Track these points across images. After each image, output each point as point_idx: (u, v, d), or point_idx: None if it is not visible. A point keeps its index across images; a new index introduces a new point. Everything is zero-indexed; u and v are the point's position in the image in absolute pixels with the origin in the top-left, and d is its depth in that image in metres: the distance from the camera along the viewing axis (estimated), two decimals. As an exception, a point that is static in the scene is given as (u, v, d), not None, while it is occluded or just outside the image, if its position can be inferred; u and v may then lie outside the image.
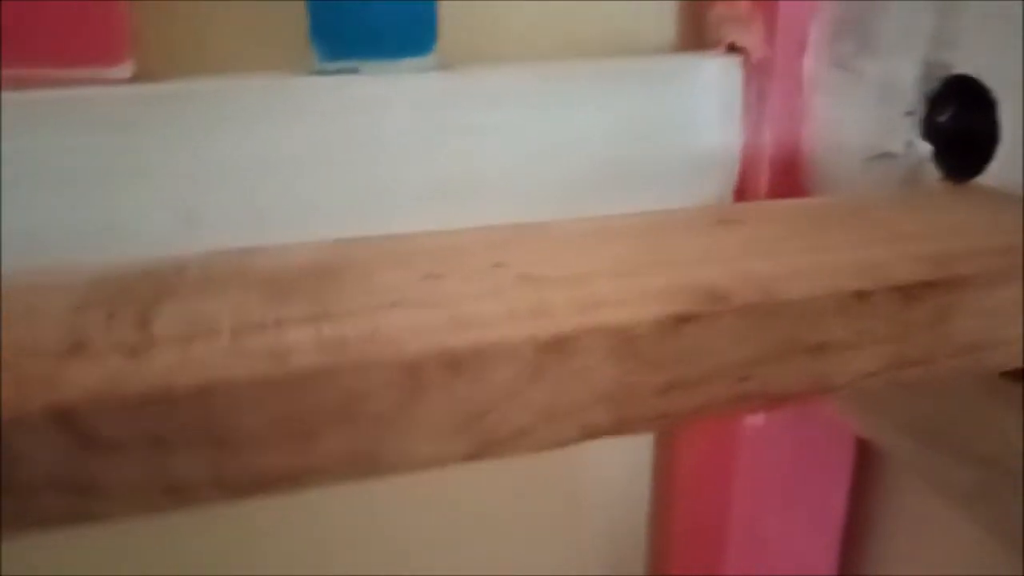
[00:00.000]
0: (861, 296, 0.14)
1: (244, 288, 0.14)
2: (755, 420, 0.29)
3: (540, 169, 0.26)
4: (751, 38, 0.27)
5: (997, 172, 0.20)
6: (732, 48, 0.27)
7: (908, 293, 0.14)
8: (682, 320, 0.13)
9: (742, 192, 0.28)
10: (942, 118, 0.22)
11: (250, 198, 0.23)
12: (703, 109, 0.27)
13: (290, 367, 0.11)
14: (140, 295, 0.13)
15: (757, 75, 0.27)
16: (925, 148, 0.22)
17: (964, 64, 0.21)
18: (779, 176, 0.27)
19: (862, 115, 0.24)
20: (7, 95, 0.21)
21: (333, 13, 0.24)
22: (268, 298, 0.13)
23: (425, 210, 0.25)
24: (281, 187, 0.24)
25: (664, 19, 0.30)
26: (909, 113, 0.23)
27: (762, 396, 0.14)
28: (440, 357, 0.12)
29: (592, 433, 0.13)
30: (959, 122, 0.22)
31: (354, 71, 0.24)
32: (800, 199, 0.21)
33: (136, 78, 0.23)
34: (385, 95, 0.24)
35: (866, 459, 0.31)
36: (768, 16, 0.26)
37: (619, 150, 0.27)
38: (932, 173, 0.22)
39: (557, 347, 0.12)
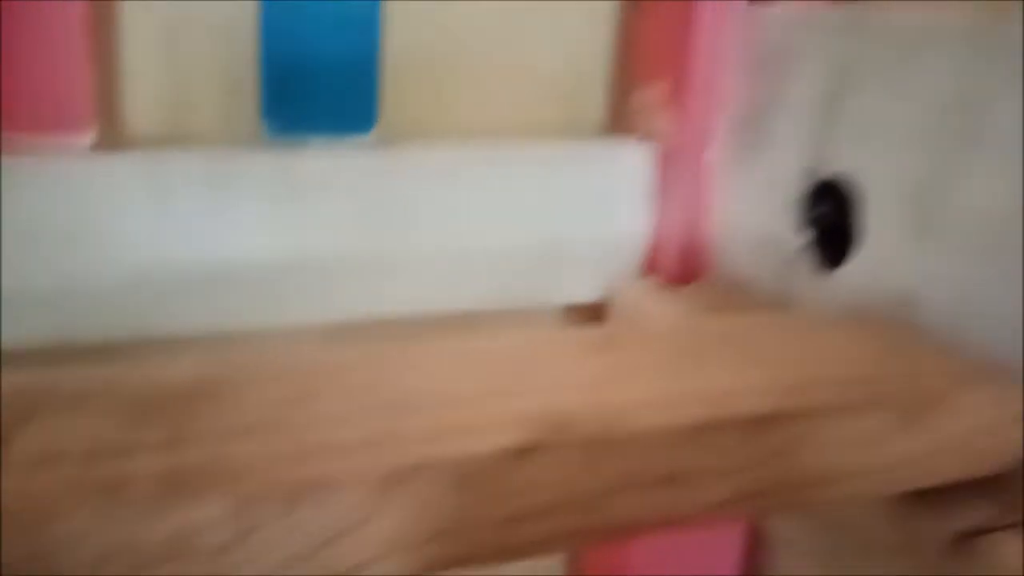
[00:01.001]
0: (705, 428, 0.14)
1: (110, 409, 0.14)
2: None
3: (471, 245, 0.28)
4: (664, 127, 0.29)
5: (860, 264, 0.23)
6: (647, 136, 0.30)
7: (754, 424, 0.15)
8: (524, 452, 0.13)
9: (651, 272, 0.30)
10: (816, 213, 0.25)
11: (200, 261, 0.25)
12: (619, 192, 0.30)
13: (124, 498, 0.11)
14: (6, 415, 0.13)
15: (667, 162, 0.29)
16: (803, 238, 0.25)
17: (836, 166, 0.24)
18: (684, 256, 0.29)
19: (754, 205, 0.27)
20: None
21: (283, 91, 0.26)
22: (130, 420, 0.13)
23: (361, 282, 0.27)
24: (228, 253, 0.25)
25: (594, 103, 0.32)
26: (791, 206, 0.25)
27: (609, 529, 0.14)
28: (277, 490, 0.12)
29: (433, 566, 0.13)
30: (831, 217, 0.24)
31: (301, 146, 0.26)
32: (677, 324, 0.22)
33: (97, 146, 0.25)
34: (327, 169, 0.26)
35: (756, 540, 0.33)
36: (680, 107, 0.29)
37: (543, 230, 0.29)
38: (809, 261, 0.25)
39: (399, 479, 0.12)
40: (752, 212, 0.27)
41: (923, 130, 0.21)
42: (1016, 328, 0.19)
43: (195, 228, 0.25)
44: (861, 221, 0.23)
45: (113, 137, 0.26)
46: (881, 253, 0.22)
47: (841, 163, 0.23)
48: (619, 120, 0.32)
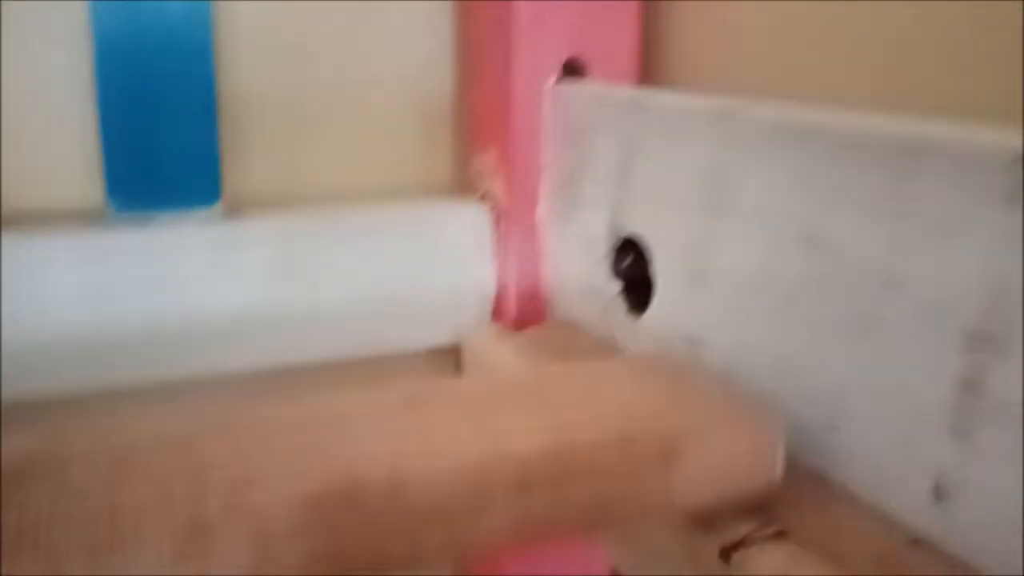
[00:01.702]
0: (485, 466, 0.17)
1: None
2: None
3: (321, 305, 0.30)
4: (497, 190, 0.32)
5: (657, 309, 0.26)
6: (485, 197, 0.33)
7: (529, 460, 0.18)
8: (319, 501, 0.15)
9: (497, 318, 0.33)
10: (622, 266, 0.28)
11: (51, 337, 0.26)
12: (462, 247, 0.32)
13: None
14: None
15: (503, 220, 0.32)
16: (614, 287, 0.28)
17: (633, 224, 0.27)
18: (524, 303, 0.32)
19: (576, 257, 0.30)
20: None
21: (126, 168, 0.28)
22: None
23: (214, 347, 0.29)
24: (77, 327, 0.27)
25: (434, 166, 0.35)
26: (603, 259, 0.28)
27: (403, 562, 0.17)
28: (82, 545, 0.14)
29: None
30: (633, 270, 0.27)
31: (146, 221, 0.28)
32: (483, 381, 0.25)
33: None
34: (174, 243, 0.28)
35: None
36: (508, 173, 0.31)
37: (391, 284, 0.31)
38: (622, 306, 0.28)
39: (199, 532, 0.14)
40: (575, 264, 0.30)
41: (687, 198, 0.24)
42: (777, 362, 0.22)
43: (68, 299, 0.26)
44: (654, 273, 0.26)
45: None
46: (671, 301, 0.25)
47: (635, 223, 0.27)
48: (463, 181, 0.35)
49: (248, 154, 0.31)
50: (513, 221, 0.32)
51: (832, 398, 0.20)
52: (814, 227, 0.20)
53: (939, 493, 0.18)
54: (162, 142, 0.27)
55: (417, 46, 0.33)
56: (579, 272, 0.30)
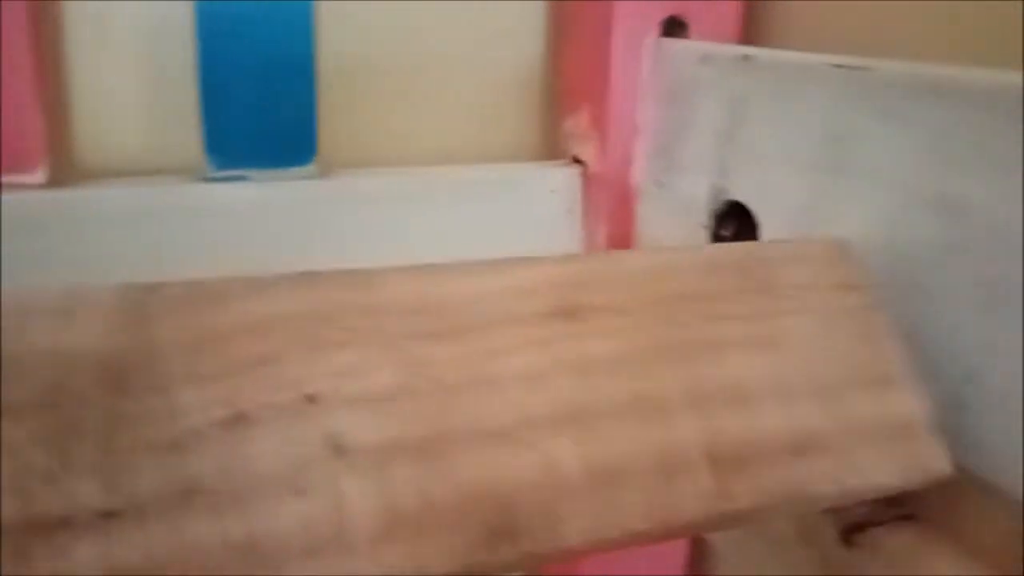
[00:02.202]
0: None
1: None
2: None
3: (405, 262, 0.30)
4: (589, 153, 0.31)
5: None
6: (576, 160, 0.32)
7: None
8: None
9: (584, 282, 0.32)
10: (725, 232, 0.27)
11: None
12: (550, 211, 0.32)
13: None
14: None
15: (594, 184, 0.31)
16: (714, 254, 0.27)
17: (736, 192, 0.26)
18: (613, 269, 0.31)
19: (671, 222, 0.29)
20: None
21: (224, 128, 0.28)
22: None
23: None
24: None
25: (523, 130, 0.34)
26: (704, 226, 0.27)
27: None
28: None
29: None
30: (737, 237, 0.26)
31: (243, 179, 0.28)
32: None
33: (49, 184, 0.26)
34: (269, 201, 0.28)
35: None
36: (601, 135, 0.30)
37: (478, 249, 0.31)
38: (720, 275, 0.27)
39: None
40: (671, 231, 0.29)
41: (802, 159, 0.23)
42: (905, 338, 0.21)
43: (147, 256, 0.26)
44: (759, 238, 0.25)
45: (65, 174, 0.27)
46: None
47: (741, 188, 0.26)
48: (551, 146, 0.34)
49: (343, 116, 0.30)
50: (606, 185, 0.31)
51: (962, 376, 0.19)
52: (947, 188, 0.19)
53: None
54: (259, 102, 0.27)
55: (508, 10, 0.32)
56: (673, 237, 0.29)
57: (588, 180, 0.31)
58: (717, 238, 0.27)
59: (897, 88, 0.20)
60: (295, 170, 0.28)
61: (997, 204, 0.18)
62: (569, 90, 0.32)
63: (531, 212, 0.31)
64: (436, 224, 0.30)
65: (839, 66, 0.22)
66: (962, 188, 0.19)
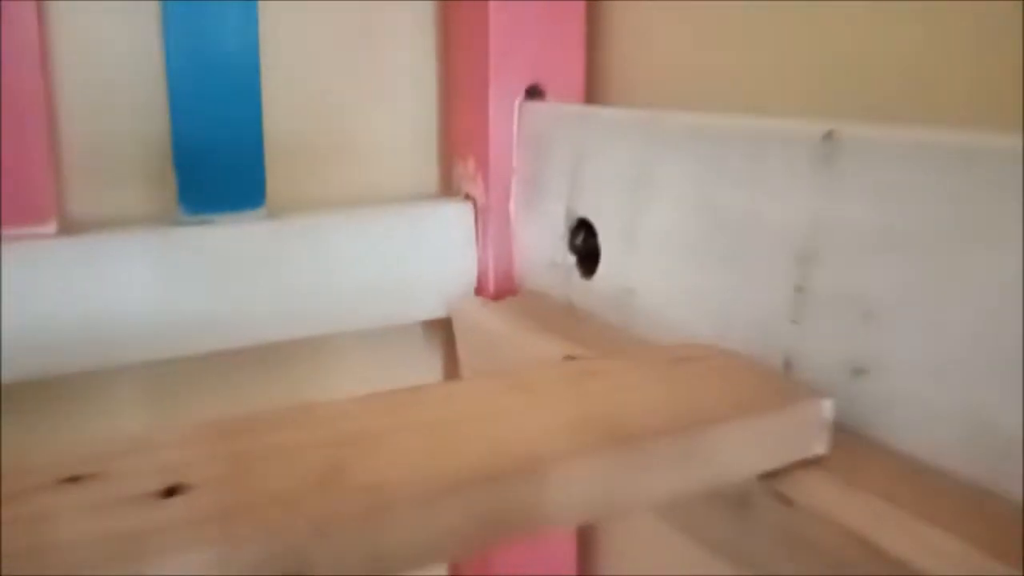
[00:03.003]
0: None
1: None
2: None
3: (338, 285, 0.38)
4: (477, 190, 0.40)
5: (603, 272, 0.34)
6: (467, 196, 0.41)
7: None
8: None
9: (479, 290, 0.41)
10: (577, 241, 0.36)
11: (139, 316, 0.34)
12: (452, 236, 0.41)
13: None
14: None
15: (482, 214, 0.40)
16: (571, 259, 0.36)
17: (583, 210, 0.35)
18: (500, 279, 0.40)
19: (541, 239, 0.38)
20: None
21: (193, 181, 0.36)
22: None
23: (265, 317, 0.37)
24: (156, 308, 0.34)
25: (428, 173, 0.43)
26: (562, 238, 0.37)
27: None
28: None
29: None
30: (586, 244, 0.36)
31: (209, 222, 0.36)
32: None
33: (60, 232, 0.33)
34: (232, 238, 0.36)
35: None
36: (484, 176, 0.40)
37: (395, 268, 0.39)
38: (576, 273, 0.36)
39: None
40: (540, 245, 0.38)
41: (621, 185, 0.32)
42: (699, 308, 0.30)
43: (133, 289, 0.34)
44: (600, 246, 0.34)
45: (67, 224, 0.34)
46: (612, 265, 0.34)
47: (585, 209, 0.35)
48: (447, 186, 0.43)
49: (285, 168, 0.39)
50: (490, 214, 0.40)
51: (718, 322, 0.29)
52: (712, 197, 0.29)
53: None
54: (220, 158, 0.35)
55: (409, 87, 0.42)
56: (543, 251, 0.38)
57: (478, 211, 0.40)
58: (572, 247, 0.36)
59: (678, 131, 0.30)
60: (249, 212, 0.37)
61: (741, 205, 0.28)
62: (459, 143, 0.41)
63: (435, 238, 0.40)
64: (361, 251, 0.39)
65: (642, 119, 0.32)
66: (722, 198, 0.28)
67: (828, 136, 0.25)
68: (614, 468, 0.21)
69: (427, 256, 0.40)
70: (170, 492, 0.19)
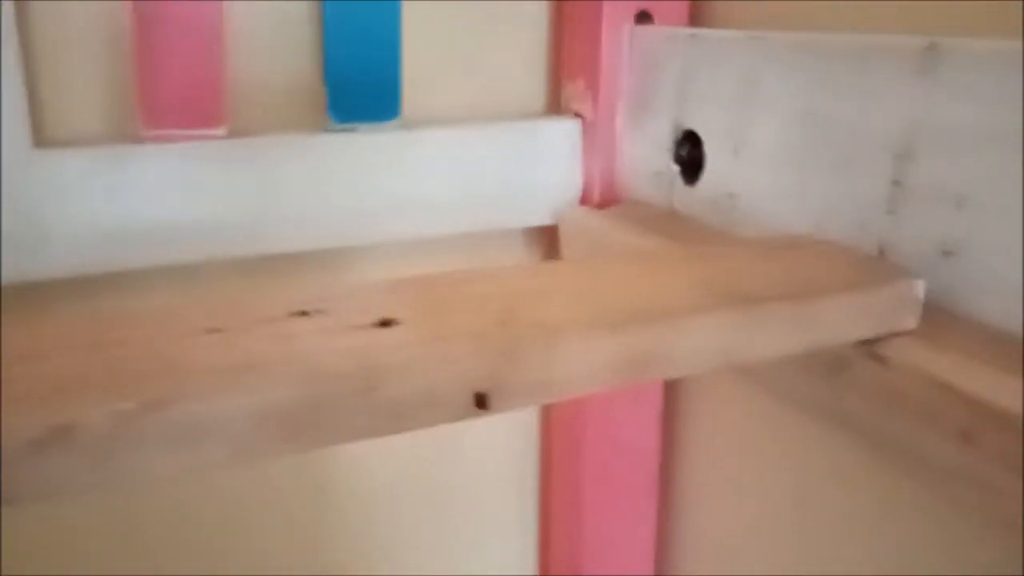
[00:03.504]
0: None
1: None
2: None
3: (459, 189, 0.42)
4: (586, 108, 0.44)
5: (707, 179, 0.38)
6: (576, 114, 0.44)
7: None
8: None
9: (584, 200, 0.44)
10: (682, 152, 0.39)
11: (293, 210, 0.39)
12: (560, 151, 0.44)
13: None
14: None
15: (590, 130, 0.44)
16: (675, 168, 0.40)
17: (690, 123, 0.39)
18: (605, 190, 0.44)
19: (645, 152, 0.42)
20: (146, 148, 0.36)
21: (341, 94, 0.40)
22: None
23: (395, 215, 0.41)
24: (307, 203, 0.39)
25: (536, 93, 0.47)
26: (667, 150, 0.40)
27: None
28: None
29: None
30: (690, 154, 0.39)
31: (353, 130, 0.40)
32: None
33: (229, 135, 0.38)
34: (371, 144, 0.40)
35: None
36: (594, 95, 0.43)
37: (510, 176, 0.43)
38: (680, 181, 0.40)
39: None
40: (644, 157, 0.42)
41: (728, 99, 0.36)
42: (799, 207, 0.33)
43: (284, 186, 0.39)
44: (705, 155, 0.38)
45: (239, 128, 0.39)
46: (716, 172, 0.37)
47: (692, 122, 0.38)
48: (556, 104, 0.46)
49: (419, 84, 0.43)
50: (598, 130, 0.43)
51: (818, 218, 0.32)
52: (815, 107, 0.32)
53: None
54: (366, 74, 0.40)
55: (524, 16, 0.45)
56: (648, 162, 0.42)
57: (586, 128, 0.44)
58: (677, 156, 0.40)
59: (784, 47, 0.33)
60: (387, 123, 0.41)
61: (844, 113, 0.31)
62: (570, 64, 0.45)
63: (546, 152, 0.44)
64: (480, 161, 0.42)
65: (750, 37, 0.35)
66: (825, 107, 0.31)
67: (930, 47, 0.27)
68: (737, 324, 0.25)
69: (538, 168, 0.44)
70: (384, 324, 0.23)
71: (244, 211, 0.38)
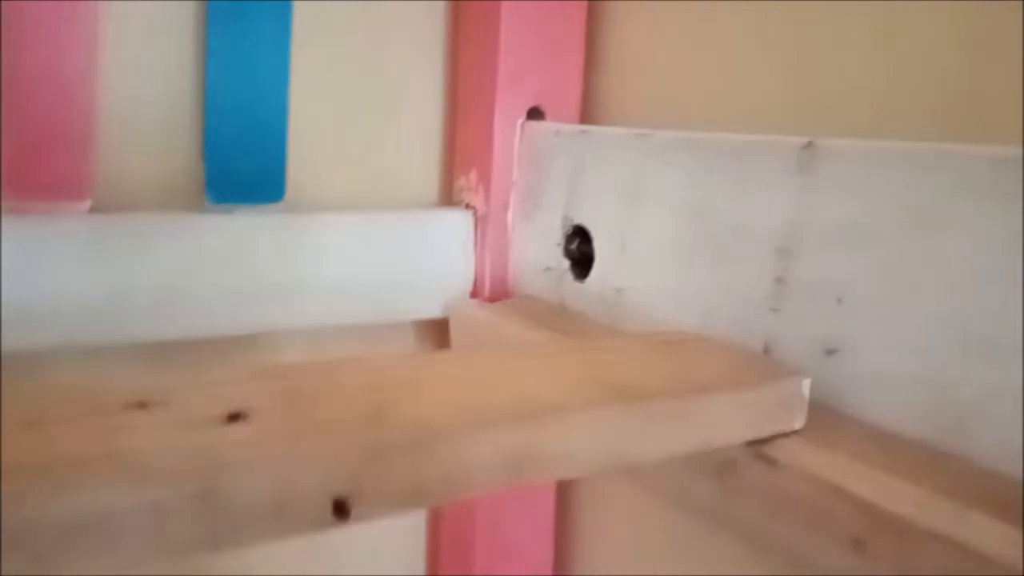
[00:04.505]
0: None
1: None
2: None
3: (347, 278, 0.40)
4: (477, 200, 0.43)
5: (596, 275, 0.37)
6: (467, 206, 0.43)
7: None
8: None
9: (475, 294, 0.43)
10: (572, 247, 0.38)
11: (161, 294, 0.35)
12: (452, 243, 0.43)
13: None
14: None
15: (481, 223, 0.42)
16: (565, 264, 0.39)
17: (580, 218, 0.38)
18: (496, 283, 0.42)
19: (536, 246, 0.40)
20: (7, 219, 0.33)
21: (220, 173, 0.37)
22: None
23: (276, 305, 0.38)
24: (175, 288, 0.36)
25: (429, 183, 0.45)
26: (558, 244, 0.39)
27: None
28: None
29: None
30: (580, 249, 0.38)
31: (230, 211, 0.37)
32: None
33: (93, 210, 0.35)
34: (251, 227, 0.37)
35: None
36: (485, 188, 0.42)
37: (401, 266, 0.41)
38: (570, 276, 0.38)
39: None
40: (535, 251, 0.41)
41: (616, 194, 0.35)
42: (685, 303, 0.32)
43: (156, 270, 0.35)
44: (595, 249, 0.37)
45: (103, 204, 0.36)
46: (604, 267, 0.36)
47: (581, 217, 0.37)
48: (448, 196, 0.45)
49: (306, 168, 0.41)
50: (489, 224, 0.42)
51: (703, 314, 0.31)
52: (698, 201, 0.31)
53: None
54: (248, 152, 0.37)
55: (417, 105, 0.44)
56: (538, 256, 0.40)
57: (477, 220, 0.43)
58: (567, 251, 0.38)
59: (670, 145, 0.33)
60: (269, 206, 0.38)
61: (727, 209, 0.30)
62: (462, 156, 0.44)
63: (438, 244, 0.42)
64: (368, 250, 0.40)
65: (636, 134, 0.34)
66: (709, 203, 0.31)
67: (808, 146, 0.27)
68: (624, 422, 0.23)
69: (429, 260, 0.42)
70: (233, 418, 0.20)
71: (105, 293, 0.34)
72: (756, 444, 0.25)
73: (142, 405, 0.20)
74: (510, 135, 0.41)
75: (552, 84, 0.42)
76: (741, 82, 0.36)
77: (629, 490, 0.41)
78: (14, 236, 0.32)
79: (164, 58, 0.37)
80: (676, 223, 0.32)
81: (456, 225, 0.43)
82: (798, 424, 0.26)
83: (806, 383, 0.26)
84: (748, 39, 0.35)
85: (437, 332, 0.46)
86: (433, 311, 0.43)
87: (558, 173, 0.39)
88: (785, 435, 0.26)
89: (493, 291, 0.42)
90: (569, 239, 0.38)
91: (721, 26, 0.36)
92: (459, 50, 0.44)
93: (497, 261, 0.42)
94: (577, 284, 0.38)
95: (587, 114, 0.43)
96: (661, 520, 0.38)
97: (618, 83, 0.42)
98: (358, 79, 0.42)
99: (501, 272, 0.43)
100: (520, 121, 0.41)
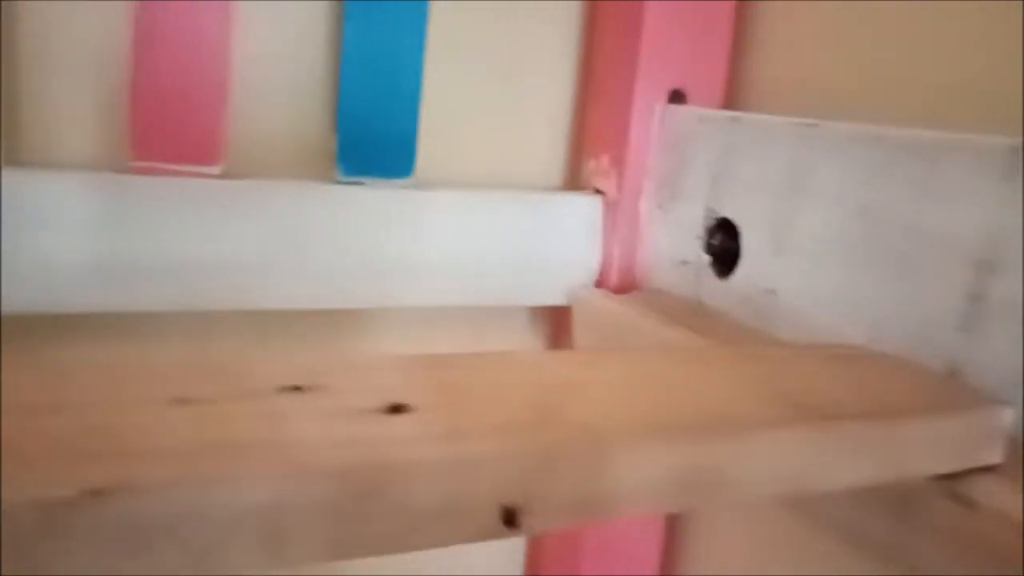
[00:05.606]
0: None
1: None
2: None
3: (469, 257, 0.38)
4: (608, 185, 0.40)
5: (742, 272, 0.34)
6: (597, 191, 0.41)
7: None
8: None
9: (600, 283, 0.40)
10: (714, 241, 0.36)
11: (289, 264, 0.34)
12: (578, 228, 0.40)
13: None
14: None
15: (611, 210, 0.40)
16: (706, 258, 0.36)
17: (725, 210, 0.35)
18: (624, 274, 0.40)
19: (671, 238, 0.38)
20: (137, 179, 0.32)
21: (352, 145, 0.36)
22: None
23: (398, 279, 0.37)
24: (305, 258, 0.35)
25: (556, 166, 0.43)
26: (697, 237, 0.36)
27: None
28: None
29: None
30: (723, 244, 0.35)
31: (360, 184, 0.36)
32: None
33: (223, 175, 0.34)
34: (379, 201, 0.36)
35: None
36: (618, 172, 0.40)
37: (525, 249, 0.39)
38: (710, 272, 0.36)
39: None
40: (670, 243, 0.38)
41: (770, 187, 0.32)
42: (850, 312, 0.30)
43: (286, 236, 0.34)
44: (742, 246, 0.34)
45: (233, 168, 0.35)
46: (754, 266, 0.33)
47: (727, 210, 0.35)
48: (574, 179, 0.43)
49: (434, 144, 0.39)
50: (620, 210, 0.40)
51: (871, 327, 0.28)
52: (867, 200, 0.28)
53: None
54: (381, 127, 0.36)
55: (547, 86, 0.42)
56: (673, 249, 0.38)
57: (607, 207, 0.40)
58: (708, 245, 0.36)
59: (841, 138, 0.30)
60: (399, 180, 0.37)
61: (910, 212, 0.27)
62: (594, 139, 0.41)
63: (564, 229, 0.40)
64: (492, 230, 0.38)
65: (800, 124, 0.31)
66: (878, 200, 0.28)
67: (1015, 149, 0.24)
68: (813, 446, 0.20)
69: (553, 244, 0.40)
70: (395, 410, 0.18)
71: (220, 258, 0.33)
72: (947, 479, 0.22)
73: (297, 389, 0.19)
74: (648, 118, 0.39)
75: (696, 66, 0.39)
76: (924, 72, 0.32)
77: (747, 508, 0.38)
78: (143, 196, 0.32)
79: (300, 27, 0.36)
80: (843, 224, 0.29)
81: (583, 210, 0.40)
82: (996, 459, 0.23)
83: (1008, 413, 0.23)
84: (938, 25, 0.32)
85: (552, 321, 0.44)
86: (555, 298, 0.40)
87: (702, 161, 0.36)
88: (980, 471, 0.23)
89: (620, 282, 0.40)
90: (711, 232, 0.36)
91: (902, 7, 0.33)
92: (597, 27, 0.41)
93: (626, 251, 0.40)
94: (718, 281, 0.35)
95: (731, 99, 0.40)
96: (793, 543, 0.36)
97: (770, 67, 0.39)
98: (489, 57, 0.40)
99: (629, 262, 0.40)
100: (660, 104, 0.39)
